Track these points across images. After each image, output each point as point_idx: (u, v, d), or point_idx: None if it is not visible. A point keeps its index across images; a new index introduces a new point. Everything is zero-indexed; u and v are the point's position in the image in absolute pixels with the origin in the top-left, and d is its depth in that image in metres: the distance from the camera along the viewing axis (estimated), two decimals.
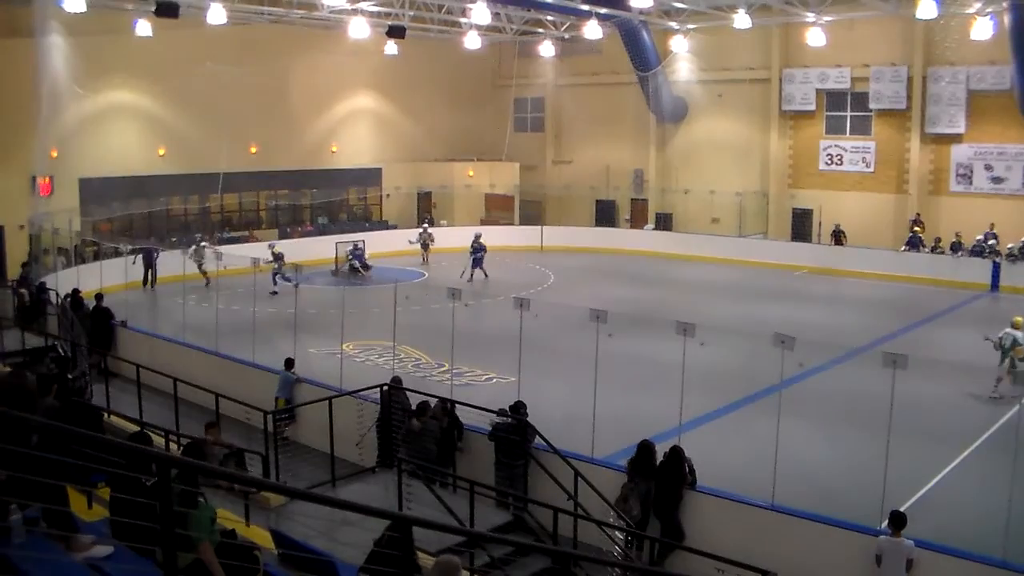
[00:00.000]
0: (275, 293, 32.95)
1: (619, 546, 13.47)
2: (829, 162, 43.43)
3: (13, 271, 33.20)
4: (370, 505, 6.66)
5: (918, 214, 40.00)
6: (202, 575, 6.95)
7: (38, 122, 33.11)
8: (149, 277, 35.22)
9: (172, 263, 31.45)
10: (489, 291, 31.69)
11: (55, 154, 35.56)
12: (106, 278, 29.04)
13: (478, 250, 38.18)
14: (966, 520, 14.80)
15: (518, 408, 15.50)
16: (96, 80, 36.62)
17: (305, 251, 37.07)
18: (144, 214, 40.77)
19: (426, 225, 43.82)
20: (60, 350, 22.83)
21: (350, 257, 38.68)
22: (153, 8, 33.58)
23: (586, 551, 12.98)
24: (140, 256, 34.44)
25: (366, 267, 38.49)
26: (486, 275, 37.84)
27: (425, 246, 41.82)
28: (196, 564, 6.99)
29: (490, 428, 15.59)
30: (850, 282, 37.52)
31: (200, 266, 33.23)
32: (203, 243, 35.22)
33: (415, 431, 15.72)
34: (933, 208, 40.27)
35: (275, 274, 33.83)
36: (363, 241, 39.87)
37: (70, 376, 19.18)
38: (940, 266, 37.33)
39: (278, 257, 34.47)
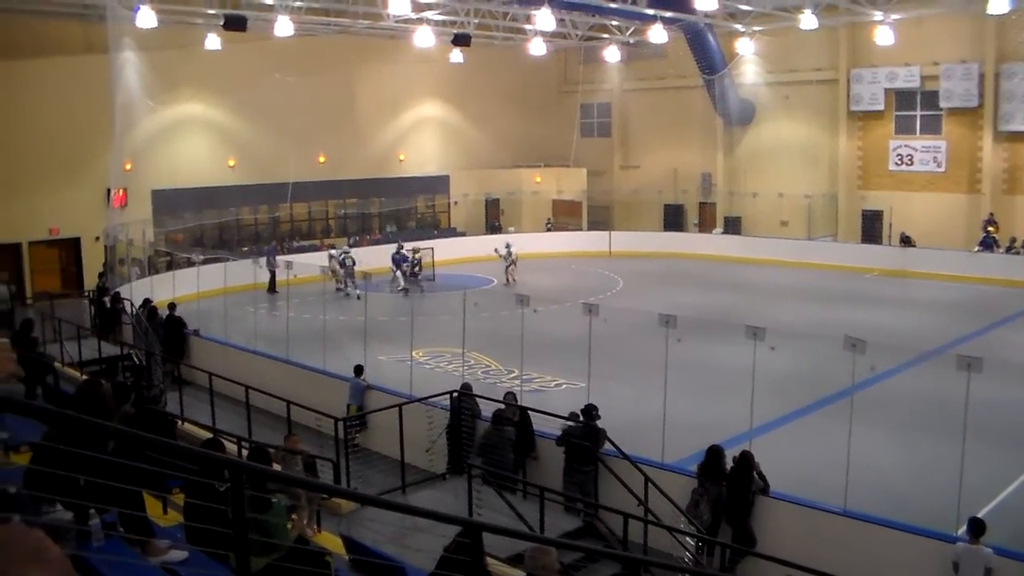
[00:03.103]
0: (346, 294, 35.37)
1: (690, 552, 13.39)
2: (899, 162, 42.80)
3: (90, 282, 33.88)
4: (440, 511, 6.70)
5: (991, 214, 39.28)
6: None
7: (113, 136, 33.75)
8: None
9: (243, 273, 31.86)
10: (558, 297, 31.64)
11: (129, 166, 36.19)
12: (179, 288, 29.53)
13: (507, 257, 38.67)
14: None
15: (590, 411, 15.43)
16: (168, 93, 37.24)
17: (374, 259, 37.23)
18: (215, 224, 41.44)
19: (509, 245, 39.77)
20: (135, 359, 23.25)
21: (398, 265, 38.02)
22: (222, 22, 34.12)
23: (657, 557, 12.92)
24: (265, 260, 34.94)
25: (407, 274, 37.83)
26: (510, 280, 38.33)
27: (508, 267, 39.09)
28: (269, 569, 7.08)
29: (560, 433, 15.56)
30: (922, 284, 36.93)
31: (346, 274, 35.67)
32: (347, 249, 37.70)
33: (491, 443, 15.74)
34: (1008, 208, 39.51)
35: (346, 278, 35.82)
36: (409, 249, 39.17)
37: (145, 384, 19.54)
38: (1015, 267, 36.65)
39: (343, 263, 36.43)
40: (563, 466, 15.27)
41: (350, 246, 38.83)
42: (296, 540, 8.61)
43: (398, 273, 37.52)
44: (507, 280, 38.53)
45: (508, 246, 39.46)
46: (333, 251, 37.78)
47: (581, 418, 15.46)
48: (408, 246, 39.47)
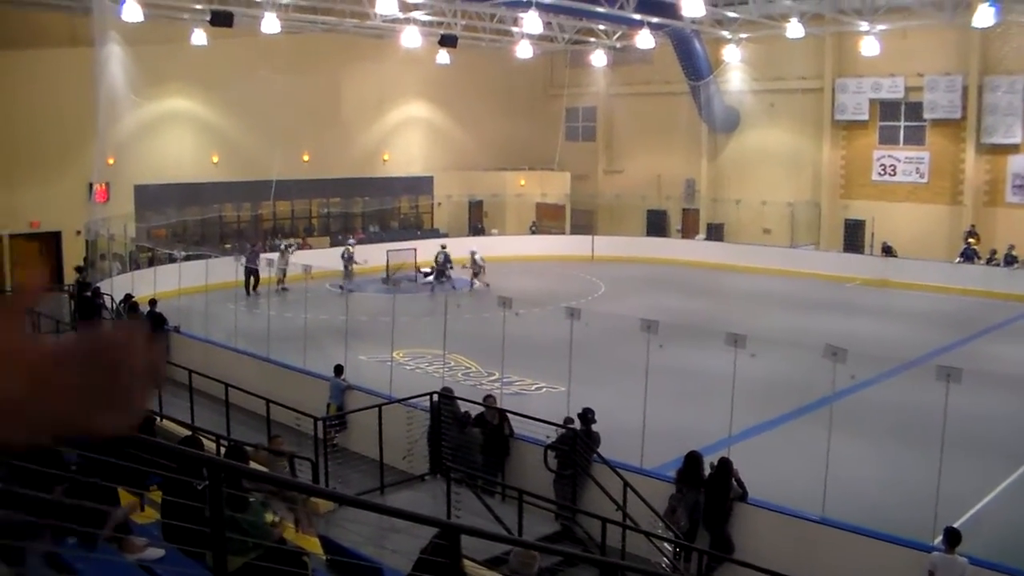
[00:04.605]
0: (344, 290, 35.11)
1: (667, 557, 13.41)
2: (882, 172, 42.97)
3: (70, 276, 33.68)
4: (418, 512, 6.68)
5: (973, 226, 39.47)
6: None
7: (96, 130, 33.59)
8: (252, 282, 35.52)
9: (225, 270, 31.83)
10: (540, 300, 31.66)
11: (112, 161, 36.04)
12: (160, 284, 29.43)
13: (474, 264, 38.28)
14: (1023, 538, 14.57)
15: (587, 415, 15.44)
16: (152, 88, 37.08)
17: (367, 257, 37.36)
18: (198, 221, 41.28)
19: (474, 252, 39.19)
20: None
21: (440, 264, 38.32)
22: (208, 17, 34.00)
23: (634, 562, 12.92)
24: (245, 259, 34.56)
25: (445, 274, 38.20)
26: (472, 285, 37.86)
27: (475, 274, 38.52)
28: (246, 568, 7.05)
29: (554, 439, 15.49)
30: (903, 294, 37.05)
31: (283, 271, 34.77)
32: (289, 247, 37.38)
33: (459, 445, 15.74)
34: (989, 220, 39.71)
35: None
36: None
37: None
38: (995, 279, 36.80)
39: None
40: (543, 469, 15.24)
41: (354, 244, 39.74)
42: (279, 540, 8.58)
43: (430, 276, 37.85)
44: (472, 285, 38.02)
45: (473, 253, 39.02)
46: (284, 247, 37.45)
47: (577, 422, 15.45)
48: (397, 246, 39.88)
